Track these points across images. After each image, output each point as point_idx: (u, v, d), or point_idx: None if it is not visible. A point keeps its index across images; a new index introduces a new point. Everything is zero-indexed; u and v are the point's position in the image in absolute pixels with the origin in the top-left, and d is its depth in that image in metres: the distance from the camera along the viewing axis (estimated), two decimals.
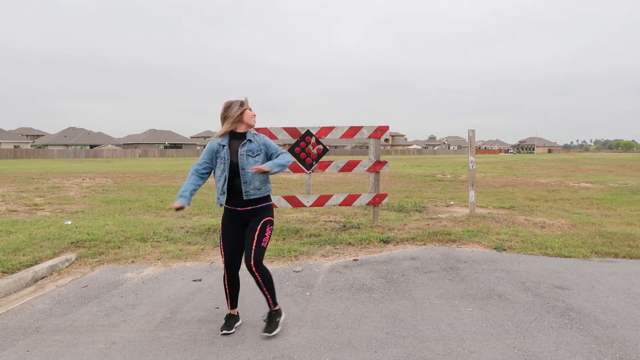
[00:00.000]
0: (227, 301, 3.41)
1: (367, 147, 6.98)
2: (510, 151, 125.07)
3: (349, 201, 6.74)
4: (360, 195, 6.81)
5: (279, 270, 4.81)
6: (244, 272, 3.31)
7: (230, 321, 3.37)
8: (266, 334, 3.22)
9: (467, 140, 7.71)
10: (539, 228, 6.60)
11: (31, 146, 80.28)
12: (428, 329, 3.34)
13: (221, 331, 3.29)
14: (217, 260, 5.23)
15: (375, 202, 6.85)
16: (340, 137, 6.76)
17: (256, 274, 3.16)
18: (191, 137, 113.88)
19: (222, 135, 3.26)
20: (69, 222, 6.92)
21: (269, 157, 3.30)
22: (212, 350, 3.05)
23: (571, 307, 3.70)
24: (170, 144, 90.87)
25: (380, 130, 6.72)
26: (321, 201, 6.69)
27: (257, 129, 6.59)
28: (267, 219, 3.28)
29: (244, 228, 3.28)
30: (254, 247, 3.16)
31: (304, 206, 6.63)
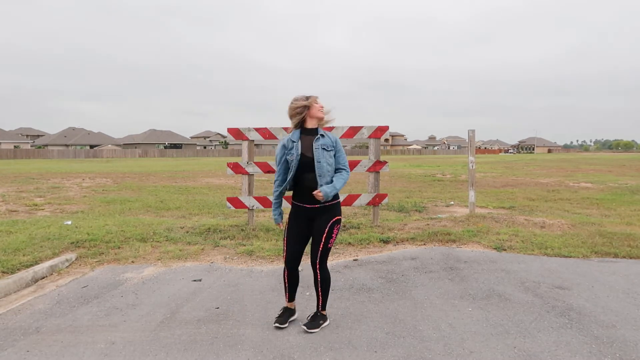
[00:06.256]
0: (286, 294, 3.45)
1: (367, 147, 6.98)
2: (510, 151, 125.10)
3: (349, 201, 6.73)
4: (360, 195, 6.80)
5: (279, 270, 4.81)
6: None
7: (285, 315, 3.41)
8: (304, 328, 3.28)
9: (467, 140, 7.71)
10: (539, 228, 6.61)
11: (31, 146, 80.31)
12: (428, 329, 3.34)
13: (274, 323, 3.32)
14: (217, 261, 5.24)
15: (375, 202, 6.85)
16: (340, 137, 6.74)
17: (318, 272, 3.30)
18: (191, 137, 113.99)
19: (292, 131, 3.27)
20: (69, 222, 6.92)
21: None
22: (212, 350, 3.05)
23: (571, 307, 3.71)
24: (170, 144, 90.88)
25: (380, 130, 6.72)
26: None
27: (256, 130, 6.60)
28: (335, 218, 3.29)
29: (310, 224, 3.29)
30: (321, 248, 3.26)
31: None
